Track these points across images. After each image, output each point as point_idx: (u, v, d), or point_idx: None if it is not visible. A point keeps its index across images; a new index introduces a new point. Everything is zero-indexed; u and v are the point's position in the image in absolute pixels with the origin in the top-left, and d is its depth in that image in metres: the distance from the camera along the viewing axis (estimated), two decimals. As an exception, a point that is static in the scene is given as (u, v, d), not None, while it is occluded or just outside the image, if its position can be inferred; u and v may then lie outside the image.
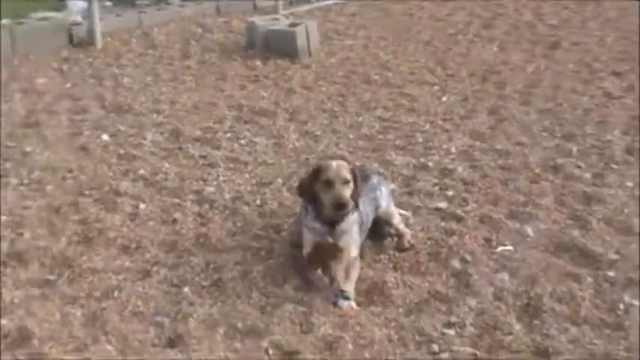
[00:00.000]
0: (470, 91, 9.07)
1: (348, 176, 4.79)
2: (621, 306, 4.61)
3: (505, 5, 13.98)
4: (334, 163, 4.86)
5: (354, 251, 4.86)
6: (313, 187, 4.82)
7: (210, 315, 4.50)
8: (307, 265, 4.87)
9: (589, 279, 4.90)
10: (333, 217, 4.80)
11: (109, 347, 4.18)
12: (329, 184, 4.74)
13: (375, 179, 5.46)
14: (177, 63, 10.46)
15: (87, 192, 6.16)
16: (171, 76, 9.79)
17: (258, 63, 10.31)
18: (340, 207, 4.72)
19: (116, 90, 9.15)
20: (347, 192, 4.76)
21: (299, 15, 12.82)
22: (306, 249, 4.91)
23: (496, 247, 5.31)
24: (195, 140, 7.44)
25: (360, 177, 5.40)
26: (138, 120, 8.05)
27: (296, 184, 5.27)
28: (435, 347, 4.23)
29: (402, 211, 5.69)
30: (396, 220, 5.37)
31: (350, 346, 4.23)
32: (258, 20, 11.20)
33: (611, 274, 4.95)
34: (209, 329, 4.36)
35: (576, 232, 5.49)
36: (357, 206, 4.87)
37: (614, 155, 6.92)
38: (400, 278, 4.87)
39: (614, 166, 6.68)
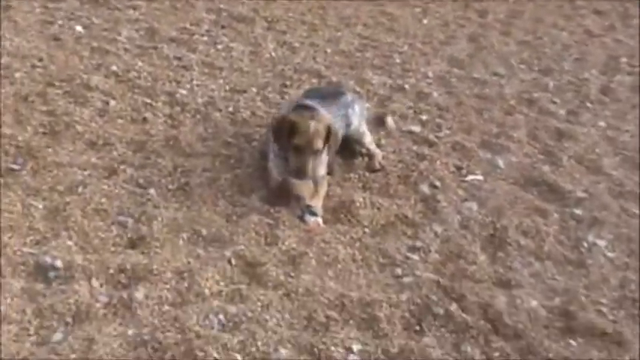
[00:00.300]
0: (451, 16, 8.93)
1: (320, 145, 4.64)
2: (585, 244, 4.66)
3: None
4: (312, 127, 4.61)
5: (321, 171, 4.78)
6: (287, 141, 4.65)
7: (175, 219, 4.45)
8: (270, 198, 4.77)
9: (555, 215, 4.93)
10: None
11: (70, 242, 4.12)
12: (298, 150, 4.61)
13: (349, 97, 5.38)
14: (156, -41, 10.14)
15: (56, 83, 5.98)
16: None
17: (240, -33, 10.03)
18: (299, 177, 4.64)
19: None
20: (313, 163, 4.61)
21: None
22: (271, 182, 4.83)
23: (466, 176, 5.30)
24: (170, 41, 7.24)
25: (334, 92, 5.34)
26: (113, 14, 7.80)
27: (273, 121, 5.02)
28: (399, 271, 4.24)
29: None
30: (368, 140, 5.31)
31: (313, 262, 4.22)
32: None
33: (577, 211, 4.98)
34: (172, 233, 4.32)
35: (546, 168, 5.50)
36: (330, 173, 4.83)
37: (589, 94, 6.92)
38: (368, 199, 4.84)
39: (589, 105, 6.68)
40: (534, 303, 4.05)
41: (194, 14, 8.05)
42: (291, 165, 4.66)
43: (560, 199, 5.11)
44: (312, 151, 4.62)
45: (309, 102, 4.95)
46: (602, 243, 4.66)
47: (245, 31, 7.74)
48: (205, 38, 7.41)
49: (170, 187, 4.79)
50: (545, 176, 5.36)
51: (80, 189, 4.62)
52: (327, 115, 4.79)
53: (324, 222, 4.60)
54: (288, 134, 4.63)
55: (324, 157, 4.80)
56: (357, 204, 4.76)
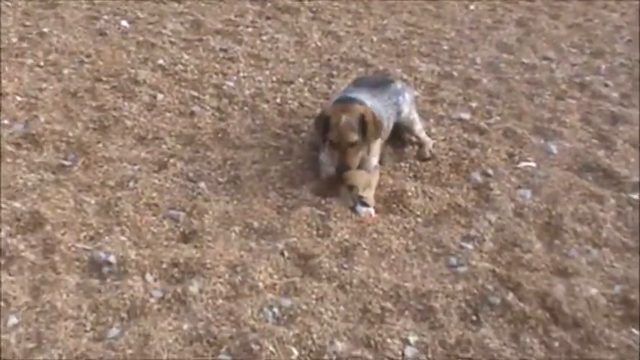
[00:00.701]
0: (499, 1, 8.80)
1: (354, 138, 4.61)
2: (645, 230, 4.54)
3: None
4: (343, 120, 4.61)
5: (373, 161, 4.74)
6: (324, 134, 4.66)
7: (226, 212, 4.44)
8: (322, 189, 4.72)
9: (612, 201, 4.81)
10: None
11: (123, 238, 4.13)
12: (334, 146, 4.61)
13: (398, 85, 5.32)
14: (199, -48, 10.15)
15: (104, 78, 6.01)
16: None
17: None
18: (341, 171, 4.60)
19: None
20: (352, 154, 4.62)
21: None
22: (322, 174, 4.81)
23: (518, 163, 5.20)
24: (216, 33, 7.24)
25: (384, 81, 5.29)
26: (158, 8, 7.82)
27: (316, 116, 5.04)
28: (453, 260, 4.17)
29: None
30: (418, 128, 5.24)
31: (366, 253, 4.17)
32: None
33: (634, 196, 4.86)
34: (224, 226, 4.31)
35: (601, 153, 5.37)
36: (380, 162, 4.84)
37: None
38: (420, 188, 4.78)
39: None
40: (593, 291, 3.96)
41: (238, 6, 8.04)
42: (324, 161, 4.65)
43: (616, 185, 4.99)
44: (347, 144, 4.58)
45: (352, 94, 4.89)
46: (662, 229, 4.54)
47: (290, 21, 7.71)
48: (250, 29, 7.39)
49: (220, 180, 4.78)
50: (600, 161, 5.24)
51: (131, 184, 4.64)
52: (362, 107, 4.74)
53: (376, 212, 4.55)
54: (323, 129, 4.61)
55: (374, 147, 4.76)
56: (409, 193, 4.70)
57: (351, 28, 7.63)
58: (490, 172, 5.04)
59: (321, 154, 4.81)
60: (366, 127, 4.64)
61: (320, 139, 4.75)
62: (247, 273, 3.91)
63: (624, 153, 5.39)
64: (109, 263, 3.92)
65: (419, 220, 4.53)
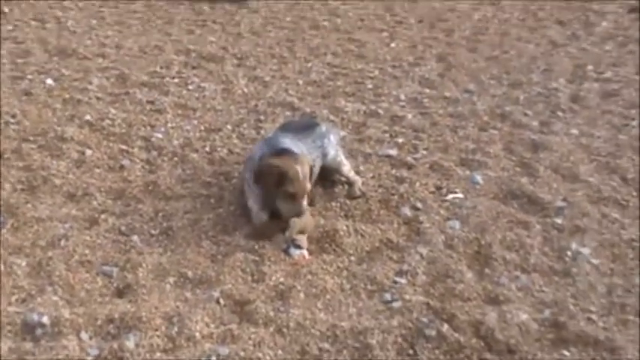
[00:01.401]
0: (418, 38, 9.05)
1: (309, 188, 4.75)
2: (569, 253, 4.66)
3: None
4: (301, 173, 4.65)
5: (303, 203, 4.80)
6: (273, 189, 4.67)
7: (160, 264, 4.43)
8: (255, 234, 4.78)
9: (537, 226, 4.95)
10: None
11: (55, 297, 4.09)
12: (294, 197, 4.65)
13: (323, 127, 5.40)
14: (123, 6, 10.26)
15: (31, 138, 5.98)
16: (116, 20, 9.59)
17: (206, 8, 10.16)
18: (298, 216, 4.67)
19: (60, 33, 8.93)
20: (306, 201, 4.73)
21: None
22: (250, 202, 4.85)
23: (446, 195, 5.32)
24: (142, 85, 7.28)
25: (308, 125, 5.38)
26: (83, 64, 7.85)
27: (258, 169, 4.85)
28: (388, 296, 4.23)
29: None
30: (346, 168, 5.33)
31: (302, 295, 4.21)
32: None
33: (559, 221, 5.00)
34: (159, 278, 4.31)
35: (524, 180, 5.53)
36: (311, 204, 4.93)
37: (559, 103, 6.98)
38: (352, 226, 4.85)
39: (560, 114, 6.74)
40: (524, 317, 4.05)
41: (164, 57, 8.11)
42: (285, 210, 4.69)
43: (541, 210, 5.14)
44: (304, 194, 4.67)
45: (282, 142, 4.94)
46: (585, 251, 4.67)
47: (215, 69, 7.80)
48: (176, 80, 7.45)
49: (153, 232, 4.78)
50: (524, 188, 5.39)
51: (62, 242, 4.61)
52: (305, 155, 4.84)
53: (310, 253, 4.60)
54: (276, 183, 4.65)
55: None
56: (341, 232, 4.77)
57: (277, 73, 7.74)
58: (419, 205, 5.15)
59: (249, 200, 4.86)
60: (311, 177, 4.79)
61: (264, 190, 4.76)
62: (184, 324, 3.91)
63: (547, 179, 5.56)
64: (43, 325, 3.88)
65: (352, 258, 4.59)
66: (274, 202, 4.73)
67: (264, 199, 4.80)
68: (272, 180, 4.67)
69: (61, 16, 9.62)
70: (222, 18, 9.69)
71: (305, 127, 5.32)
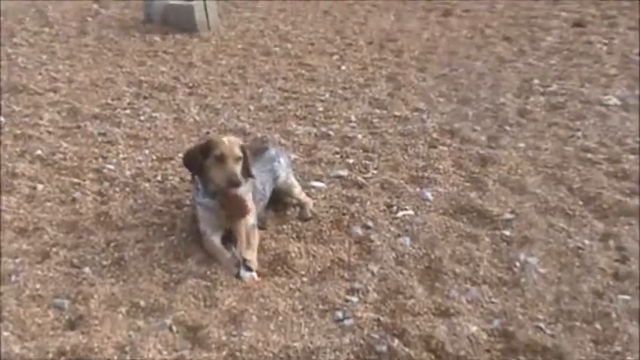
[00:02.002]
0: (369, 59, 9.15)
1: (240, 153, 4.78)
2: (517, 264, 4.74)
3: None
4: (226, 139, 4.84)
5: (250, 219, 4.84)
6: (203, 162, 4.78)
7: (112, 294, 4.44)
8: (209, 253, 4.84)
9: (487, 239, 5.03)
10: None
11: (6, 333, 4.08)
12: (222, 159, 4.71)
13: (272, 151, 5.46)
14: (74, 40, 10.25)
15: (-20, 175, 5.97)
16: (67, 54, 9.58)
17: (157, 38, 10.19)
18: (233, 184, 4.70)
19: (10, 69, 8.91)
20: (238, 168, 4.74)
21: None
22: (202, 226, 4.89)
23: (397, 212, 5.39)
24: (93, 118, 7.30)
25: (258, 149, 5.43)
26: (34, 99, 7.85)
27: (182, 155, 5.20)
28: (339, 314, 4.27)
29: (317, 183, 5.74)
30: (297, 191, 5.39)
31: (254, 318, 4.24)
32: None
33: (507, 233, 5.09)
34: (111, 309, 4.31)
35: (473, 194, 5.62)
36: (249, 177, 4.88)
37: (507, 117, 7.10)
38: (303, 248, 4.89)
39: (508, 128, 6.85)
40: (474, 328, 4.11)
41: (115, 89, 8.14)
42: (219, 178, 4.73)
43: (490, 223, 5.22)
44: (234, 157, 4.73)
45: None
46: (533, 260, 4.75)
47: (167, 99, 7.84)
48: (128, 111, 7.48)
49: (104, 263, 4.79)
50: (473, 202, 5.47)
51: (13, 277, 4.60)
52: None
53: (262, 276, 4.64)
54: (205, 153, 4.75)
55: (249, 187, 4.88)
56: (293, 254, 4.81)
57: (228, 100, 7.80)
58: (370, 224, 5.20)
59: (201, 224, 4.89)
60: (246, 155, 4.83)
61: (195, 170, 4.86)
62: (136, 352, 3.92)
63: (495, 192, 5.65)
64: (-7, 361, 3.88)
65: (304, 279, 4.63)
66: (209, 180, 4.79)
67: (202, 182, 4.85)
68: (198, 151, 4.80)
69: (11, 52, 9.58)
70: (174, 48, 9.72)
71: (255, 151, 5.36)
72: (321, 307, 4.36)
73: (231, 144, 4.78)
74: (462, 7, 11.66)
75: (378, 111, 7.39)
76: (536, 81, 8.11)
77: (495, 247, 4.95)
